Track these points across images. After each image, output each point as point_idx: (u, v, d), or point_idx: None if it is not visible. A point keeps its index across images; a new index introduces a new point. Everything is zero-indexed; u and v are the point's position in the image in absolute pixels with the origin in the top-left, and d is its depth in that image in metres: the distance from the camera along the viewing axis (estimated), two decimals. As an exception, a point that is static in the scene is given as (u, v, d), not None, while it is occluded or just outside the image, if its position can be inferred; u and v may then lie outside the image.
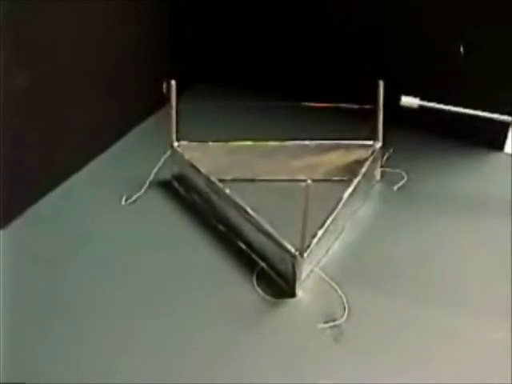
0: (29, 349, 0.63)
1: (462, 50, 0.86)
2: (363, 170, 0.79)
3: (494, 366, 0.62)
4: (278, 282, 0.70)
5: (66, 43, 0.79)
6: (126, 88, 0.91)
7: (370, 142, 0.83)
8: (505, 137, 0.91)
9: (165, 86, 0.80)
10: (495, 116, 0.81)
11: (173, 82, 0.79)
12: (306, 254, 0.67)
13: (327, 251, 0.74)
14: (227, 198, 0.75)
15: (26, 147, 0.77)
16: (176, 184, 0.84)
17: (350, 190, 0.76)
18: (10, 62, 0.71)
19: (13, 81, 0.73)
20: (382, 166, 0.85)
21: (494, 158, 0.91)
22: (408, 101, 0.80)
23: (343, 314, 0.65)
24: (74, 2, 0.78)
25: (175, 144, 0.82)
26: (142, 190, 0.83)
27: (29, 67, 0.75)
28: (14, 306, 0.67)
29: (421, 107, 0.80)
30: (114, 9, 0.86)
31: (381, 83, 0.79)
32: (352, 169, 0.81)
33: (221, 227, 0.77)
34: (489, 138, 0.91)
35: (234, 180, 0.82)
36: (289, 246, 0.67)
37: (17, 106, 0.74)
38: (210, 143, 0.84)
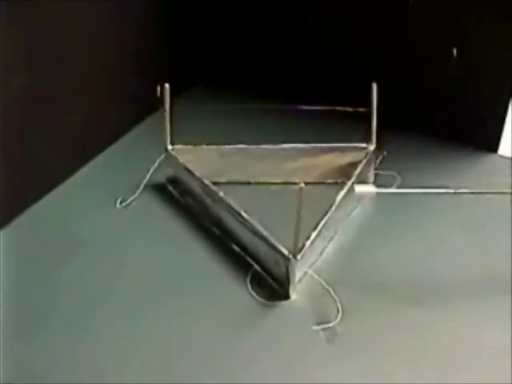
0: (29, 349, 0.63)
1: (454, 52, 0.87)
2: (357, 172, 0.79)
3: (492, 367, 0.62)
4: (271, 285, 0.70)
5: (64, 44, 0.79)
6: (123, 89, 0.91)
7: (364, 145, 0.83)
8: (499, 139, 0.92)
9: (159, 89, 0.80)
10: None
11: (167, 86, 0.79)
12: (299, 257, 0.67)
13: (321, 253, 0.74)
14: (221, 200, 0.75)
15: (24, 148, 0.77)
16: (170, 187, 0.84)
17: (343, 192, 0.76)
18: (9, 62, 0.71)
19: (11, 81, 0.73)
20: (375, 169, 0.85)
21: (488, 159, 0.91)
22: (363, 189, 0.71)
23: (337, 316, 0.66)
24: (74, 2, 0.79)
25: (169, 147, 0.82)
26: (137, 193, 0.83)
27: (27, 68, 0.75)
28: (13, 306, 0.67)
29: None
30: (112, 10, 0.86)
31: (374, 86, 0.79)
32: (346, 171, 0.81)
33: (215, 230, 0.77)
34: (483, 140, 0.91)
35: (228, 183, 0.82)
36: (282, 249, 0.68)
37: (15, 107, 0.74)
38: (204, 146, 0.84)
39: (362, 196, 0.74)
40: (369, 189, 0.71)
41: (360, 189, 0.70)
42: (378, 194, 0.70)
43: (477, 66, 0.87)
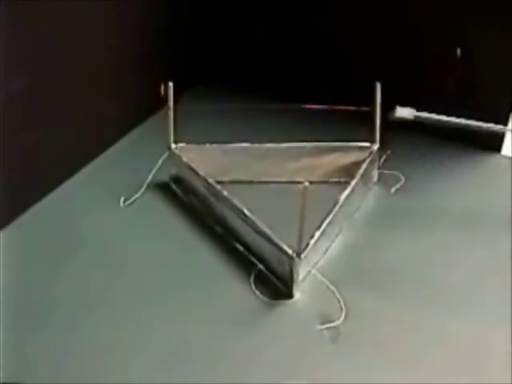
0: (29, 349, 0.63)
1: (458, 52, 0.87)
2: (360, 171, 0.79)
3: (492, 367, 0.62)
4: (275, 284, 0.70)
5: (64, 44, 0.79)
6: (125, 89, 0.91)
7: (368, 144, 0.83)
8: (502, 139, 0.91)
9: (162, 87, 0.80)
10: (491, 125, 0.80)
11: (170, 84, 0.79)
12: (303, 256, 0.67)
13: (325, 253, 0.74)
14: (225, 199, 0.75)
15: (25, 148, 0.77)
16: (174, 186, 0.84)
17: (347, 191, 0.76)
18: (9, 62, 0.71)
19: (11, 81, 0.73)
20: (379, 168, 0.85)
21: (491, 159, 0.91)
22: (403, 112, 0.78)
23: (340, 316, 0.66)
24: (74, 2, 0.79)
25: (173, 146, 0.82)
26: (140, 192, 0.83)
27: (27, 68, 0.75)
28: (13, 306, 0.67)
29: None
30: (113, 10, 0.86)
31: (378, 85, 0.79)
32: (349, 171, 0.81)
33: (218, 229, 0.77)
34: (486, 140, 0.91)
35: (231, 182, 0.82)
36: (286, 248, 0.67)
37: (16, 107, 0.74)
38: (208, 145, 0.84)
39: (401, 118, 0.78)
40: (408, 111, 0.78)
41: (400, 112, 0.77)
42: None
43: (479, 65, 0.87)
